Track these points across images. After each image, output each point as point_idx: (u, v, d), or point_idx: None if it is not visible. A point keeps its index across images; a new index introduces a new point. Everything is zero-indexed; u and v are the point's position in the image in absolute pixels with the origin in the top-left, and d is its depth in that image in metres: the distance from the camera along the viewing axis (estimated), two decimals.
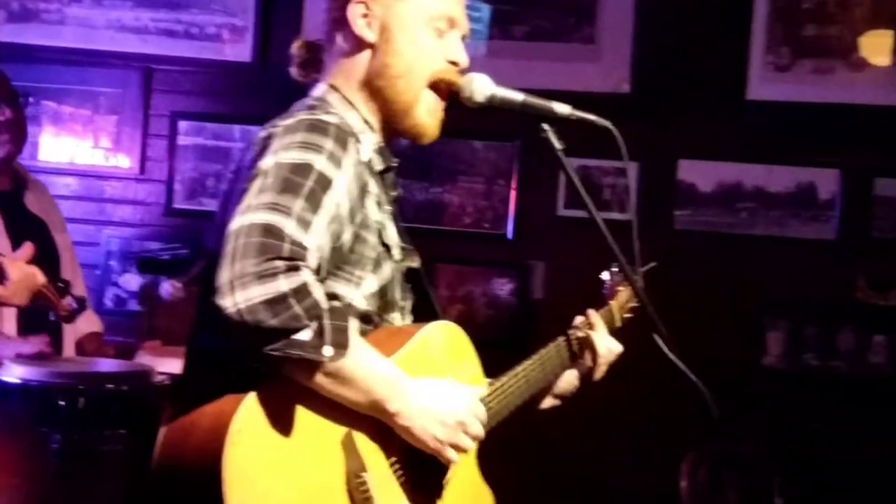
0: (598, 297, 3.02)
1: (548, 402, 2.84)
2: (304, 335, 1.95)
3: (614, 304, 3.01)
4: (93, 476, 3.61)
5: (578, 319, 2.87)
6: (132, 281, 5.58)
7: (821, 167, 5.05)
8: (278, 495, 2.01)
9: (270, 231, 1.96)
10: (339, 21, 2.38)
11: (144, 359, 4.23)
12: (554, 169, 4.56)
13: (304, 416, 2.07)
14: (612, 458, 5.09)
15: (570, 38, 5.27)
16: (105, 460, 3.61)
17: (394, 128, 2.41)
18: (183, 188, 5.59)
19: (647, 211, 5.08)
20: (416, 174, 5.35)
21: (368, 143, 2.33)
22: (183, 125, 5.60)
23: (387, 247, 2.35)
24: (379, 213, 2.33)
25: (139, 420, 3.62)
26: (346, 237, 2.19)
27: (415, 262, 2.47)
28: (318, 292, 1.96)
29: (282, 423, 2.04)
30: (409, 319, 2.46)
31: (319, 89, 2.40)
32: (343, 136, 2.18)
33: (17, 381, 3.58)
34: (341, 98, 2.37)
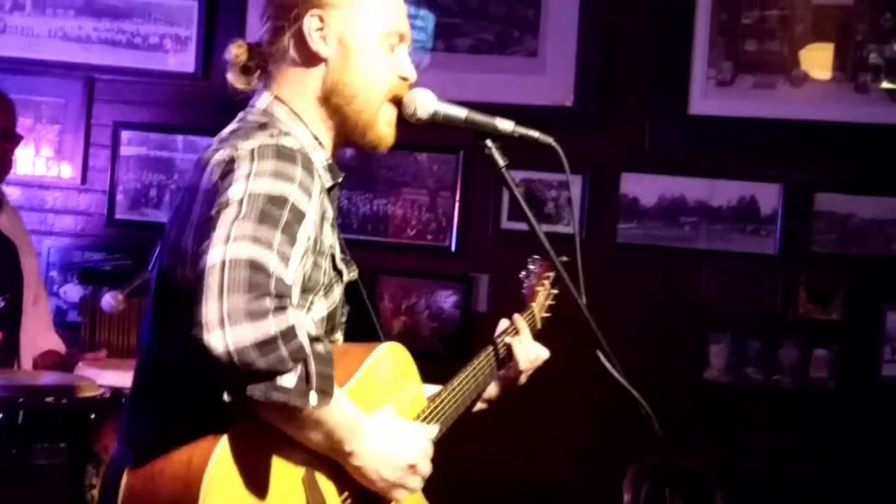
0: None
1: (477, 407, 2.86)
2: (289, 379, 1.91)
3: (535, 305, 3.05)
4: (32, 489, 3.58)
5: (503, 324, 2.90)
6: (73, 292, 5.53)
7: (762, 181, 5.09)
8: None
9: (256, 267, 1.91)
10: (284, 30, 2.30)
11: (85, 371, 4.18)
12: (498, 182, 4.57)
13: (270, 458, 2.08)
14: (555, 474, 5.09)
15: (514, 51, 5.28)
16: (45, 474, 3.58)
17: (352, 142, 2.38)
18: (125, 198, 5.55)
19: (590, 224, 5.11)
20: (360, 186, 5.34)
21: (318, 160, 2.28)
22: (126, 135, 5.56)
23: (339, 272, 2.34)
24: (332, 236, 2.32)
25: (79, 433, 3.59)
26: (308, 266, 2.17)
27: (353, 274, 2.44)
28: (302, 334, 1.92)
29: (252, 468, 2.04)
30: (343, 329, 2.45)
31: (264, 100, 2.32)
32: (308, 164, 2.14)
33: None
34: (288, 111, 2.30)
